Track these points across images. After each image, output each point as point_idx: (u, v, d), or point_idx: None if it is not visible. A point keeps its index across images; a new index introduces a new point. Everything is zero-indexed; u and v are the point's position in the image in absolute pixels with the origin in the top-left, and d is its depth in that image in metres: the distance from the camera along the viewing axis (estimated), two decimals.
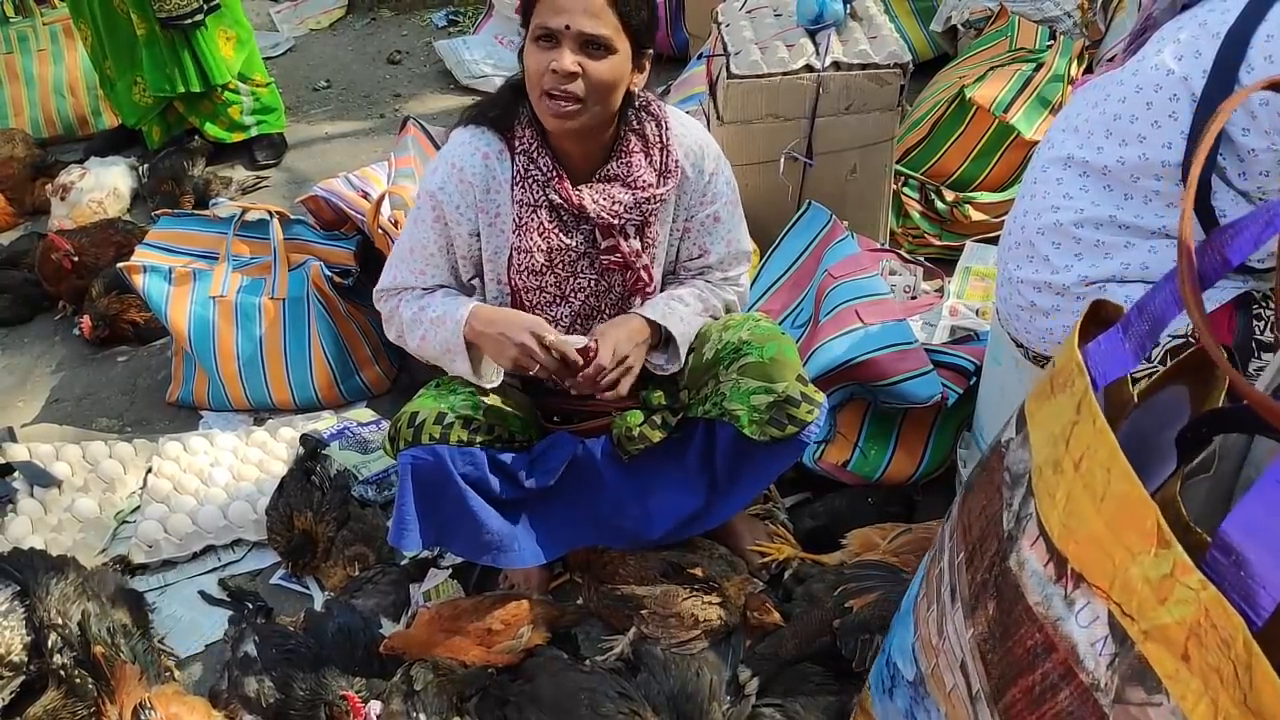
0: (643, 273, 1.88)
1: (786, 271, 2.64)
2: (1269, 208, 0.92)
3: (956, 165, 3.07)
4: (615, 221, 1.82)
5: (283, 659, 1.97)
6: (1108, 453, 0.90)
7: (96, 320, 3.07)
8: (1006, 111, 3.00)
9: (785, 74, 2.61)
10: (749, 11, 2.93)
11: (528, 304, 1.91)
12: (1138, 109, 1.60)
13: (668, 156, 1.83)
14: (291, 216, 2.92)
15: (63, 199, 3.68)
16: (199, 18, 3.64)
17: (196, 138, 4.05)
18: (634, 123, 1.83)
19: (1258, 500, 0.81)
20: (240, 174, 4.02)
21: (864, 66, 2.61)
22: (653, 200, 1.83)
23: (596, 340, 1.80)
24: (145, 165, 3.93)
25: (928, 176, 3.08)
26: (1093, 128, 1.69)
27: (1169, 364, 1.62)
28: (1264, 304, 1.61)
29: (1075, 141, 1.72)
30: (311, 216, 2.98)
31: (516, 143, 1.81)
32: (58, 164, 3.99)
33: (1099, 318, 1.06)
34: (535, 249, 1.84)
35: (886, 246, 2.84)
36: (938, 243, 3.04)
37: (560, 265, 1.86)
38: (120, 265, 2.83)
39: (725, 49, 2.74)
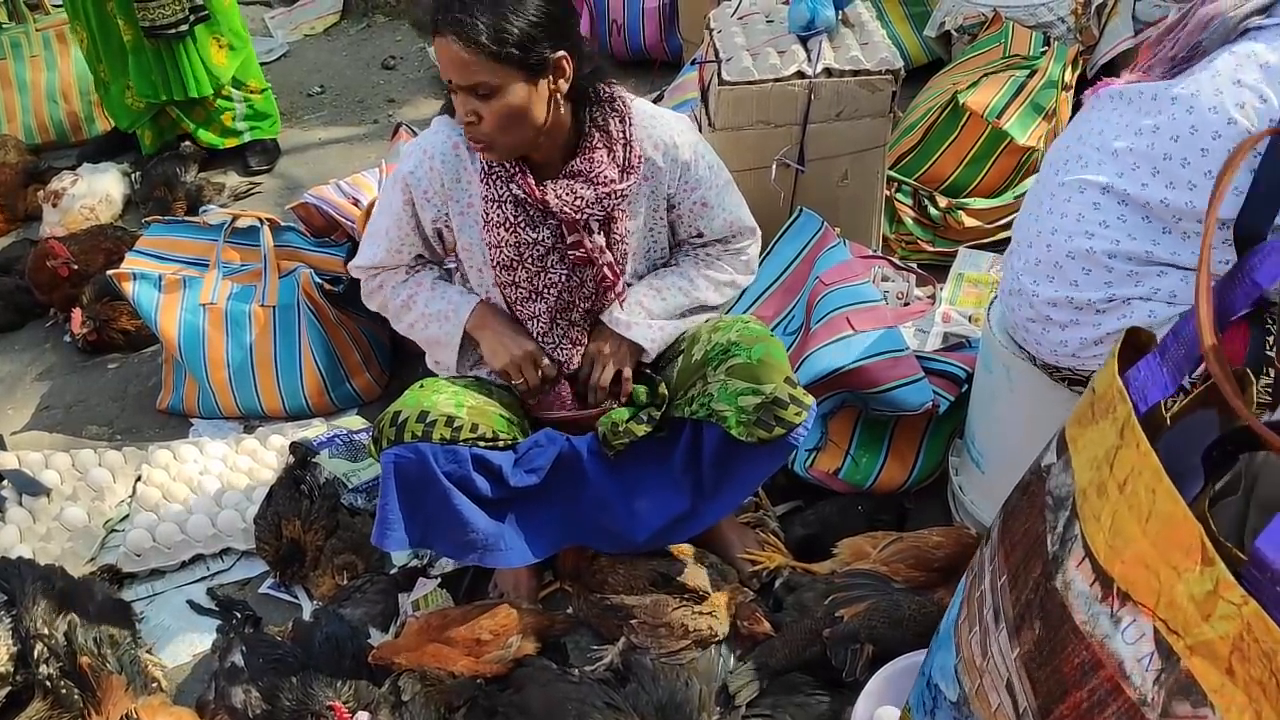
0: (606, 269, 1.90)
1: (778, 278, 2.63)
2: None
3: (949, 171, 3.06)
4: (578, 216, 1.84)
5: (270, 669, 1.96)
6: (1152, 474, 0.94)
7: (86, 317, 3.06)
8: (999, 118, 2.99)
9: (777, 80, 2.61)
10: (741, 18, 2.92)
11: (506, 300, 1.95)
12: (1191, 154, 1.54)
13: (630, 152, 1.85)
14: (282, 223, 2.91)
15: (55, 205, 3.67)
16: (183, 28, 3.64)
17: (189, 143, 4.04)
18: (599, 119, 1.85)
19: None
20: (233, 180, 4.02)
21: (855, 73, 2.60)
22: (614, 195, 1.85)
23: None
24: (138, 171, 3.92)
25: (921, 182, 3.07)
26: (1138, 159, 1.61)
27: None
28: (1273, 317, 1.59)
29: (1116, 169, 1.64)
30: (302, 223, 2.97)
31: None
32: (50, 170, 3.98)
33: (1134, 343, 1.10)
34: (504, 243, 1.88)
35: (878, 253, 2.83)
36: (930, 249, 3.03)
37: (530, 260, 1.89)
38: (110, 273, 2.82)
39: (717, 55, 2.74)
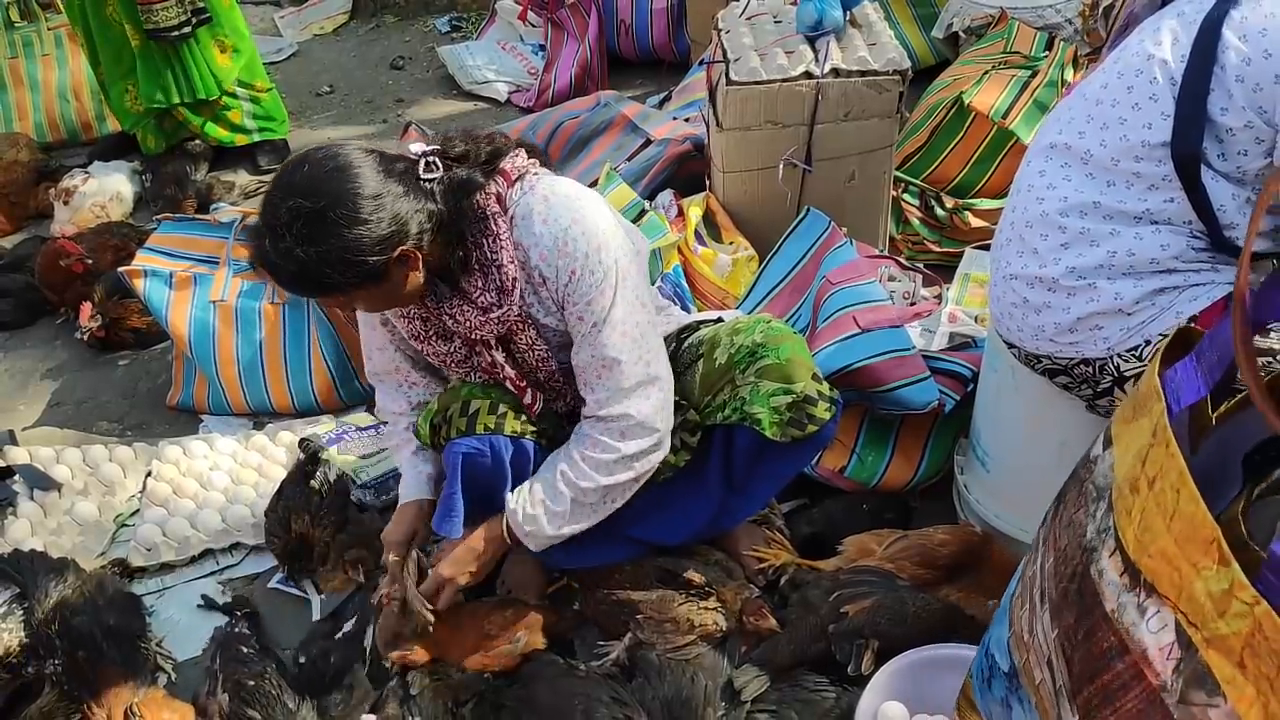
0: (507, 384, 1.84)
1: (785, 277, 2.64)
2: None
3: (956, 171, 3.07)
4: (474, 335, 1.79)
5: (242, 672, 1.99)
6: (1177, 474, 0.98)
7: (96, 311, 3.08)
8: (1005, 117, 3.00)
9: (784, 81, 2.62)
10: (749, 18, 2.94)
11: None
12: (1118, 93, 1.64)
13: (503, 274, 1.71)
14: None
15: (66, 203, 3.70)
16: (186, 30, 3.67)
17: (198, 141, 4.06)
18: (475, 237, 1.72)
19: None
20: (243, 179, 4.04)
21: (863, 73, 2.61)
22: (494, 322, 1.74)
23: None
24: (148, 170, 3.94)
25: (927, 183, 3.08)
26: (1074, 114, 1.72)
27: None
28: None
29: (1056, 129, 1.75)
30: None
31: None
32: (61, 168, 4.01)
33: (1182, 343, 1.14)
34: (426, 353, 1.90)
35: (885, 253, 2.84)
36: (937, 249, 3.04)
37: (453, 365, 1.89)
38: (121, 269, 2.85)
39: (725, 55, 2.75)
